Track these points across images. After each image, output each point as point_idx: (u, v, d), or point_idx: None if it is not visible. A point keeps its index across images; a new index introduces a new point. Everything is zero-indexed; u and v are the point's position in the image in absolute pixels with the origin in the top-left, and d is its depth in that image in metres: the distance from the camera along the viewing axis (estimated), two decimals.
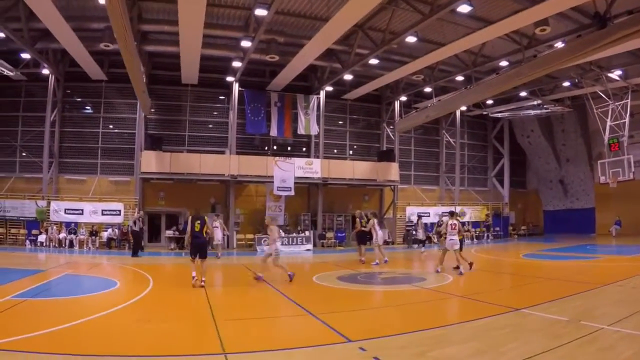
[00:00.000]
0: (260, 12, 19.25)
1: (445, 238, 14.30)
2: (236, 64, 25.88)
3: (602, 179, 27.19)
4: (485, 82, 22.54)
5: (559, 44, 19.89)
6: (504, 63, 24.09)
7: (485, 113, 32.75)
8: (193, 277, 11.78)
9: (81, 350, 5.98)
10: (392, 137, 31.11)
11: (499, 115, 32.34)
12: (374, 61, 24.80)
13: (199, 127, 29.27)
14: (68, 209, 26.15)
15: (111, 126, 28.39)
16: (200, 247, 11.92)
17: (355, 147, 32.08)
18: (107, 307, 8.94)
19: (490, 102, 31.41)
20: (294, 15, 22.61)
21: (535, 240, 31.62)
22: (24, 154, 27.37)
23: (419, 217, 24.01)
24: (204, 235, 12.02)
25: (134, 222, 22.04)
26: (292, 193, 27.09)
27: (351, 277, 13.61)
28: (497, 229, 33.42)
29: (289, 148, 30.81)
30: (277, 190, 26.82)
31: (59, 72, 26.86)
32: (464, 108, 32.49)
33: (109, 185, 27.88)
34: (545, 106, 29.84)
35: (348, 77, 27.16)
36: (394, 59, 25.67)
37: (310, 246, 26.57)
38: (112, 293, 11.12)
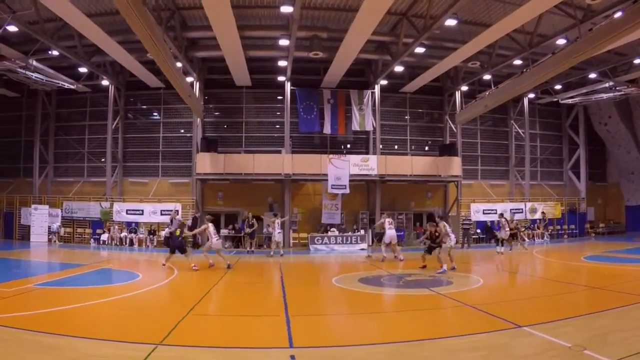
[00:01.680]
0: (286, 9, 18.86)
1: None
2: (282, 63, 25.73)
3: None
4: (541, 63, 20.71)
5: (619, 14, 17.73)
6: (561, 41, 21.90)
7: (555, 100, 30.31)
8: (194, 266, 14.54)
9: (37, 328, 6.77)
10: (454, 130, 29.49)
11: (570, 101, 29.77)
12: (419, 50, 23.70)
13: (255, 128, 29.38)
14: (129, 210, 27.12)
15: (182, 130, 29.27)
16: (176, 246, 15.29)
17: (417, 141, 30.71)
18: (108, 296, 9.84)
19: (558, 87, 29.14)
20: (327, 9, 22.39)
21: (613, 239, 28.58)
22: (103, 159, 28.63)
23: (501, 214, 22.03)
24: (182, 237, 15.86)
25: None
26: (347, 191, 26.37)
27: (373, 279, 12.78)
28: (572, 226, 30.75)
29: (348, 145, 29.99)
30: (332, 188, 26.20)
31: (119, 82, 28.27)
32: (531, 95, 30.43)
33: (169, 187, 28.66)
34: (618, 88, 27.14)
35: (399, 68, 26.09)
36: (447, 47, 24.49)
37: (364, 245, 25.72)
38: (126, 285, 11.76)
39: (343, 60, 24.47)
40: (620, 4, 17.97)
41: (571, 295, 10.25)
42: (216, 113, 29.85)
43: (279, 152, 27.26)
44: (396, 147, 30.22)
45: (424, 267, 14.64)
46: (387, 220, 18.76)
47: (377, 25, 23.04)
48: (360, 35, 21.36)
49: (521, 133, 30.81)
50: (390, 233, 18.41)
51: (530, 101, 31.03)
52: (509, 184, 31.59)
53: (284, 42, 23.01)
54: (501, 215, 21.22)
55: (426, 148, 30.74)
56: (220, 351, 6.04)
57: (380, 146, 28.12)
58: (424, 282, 12.10)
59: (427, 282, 12.05)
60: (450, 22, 20.35)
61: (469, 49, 23.12)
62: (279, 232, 21.44)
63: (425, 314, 8.67)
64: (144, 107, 29.83)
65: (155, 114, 29.68)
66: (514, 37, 23.23)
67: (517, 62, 25.09)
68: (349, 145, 30.04)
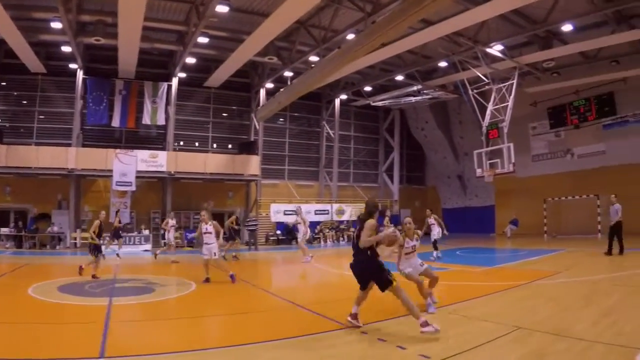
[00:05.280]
0: None
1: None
2: (66, 48, 24.02)
3: (479, 172, 24.08)
4: (326, 58, 20.46)
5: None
6: (351, 36, 21.34)
7: (368, 102, 29.88)
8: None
9: None
10: (257, 127, 28.44)
11: (380, 103, 29.53)
12: (203, 40, 22.75)
13: (49, 118, 27.31)
14: None
15: None
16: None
17: (223, 139, 29.70)
18: None
19: (368, 89, 28.72)
20: None
21: (424, 241, 28.03)
22: None
23: (430, 210, 19.26)
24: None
25: None
26: (133, 188, 24.94)
27: (75, 287, 10.85)
28: (382, 228, 30.17)
29: (165, 142, 28.40)
30: (117, 185, 24.69)
31: None
32: (343, 97, 29.92)
33: None
34: (425, 92, 26.87)
35: (191, 60, 25.21)
36: (243, 39, 23.38)
37: (149, 246, 24.38)
38: None
39: (128, 48, 22.98)
40: None
41: (263, 316, 8.36)
42: (25, 102, 27.50)
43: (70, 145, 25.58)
44: (196, 144, 29.24)
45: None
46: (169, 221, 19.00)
47: (172, 14, 22.41)
48: (131, 21, 19.85)
49: (331, 134, 30.14)
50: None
51: (345, 103, 30.54)
52: (318, 185, 30.95)
53: (56, 25, 21.44)
54: (430, 211, 18.40)
55: (229, 146, 29.76)
56: None
57: (181, 142, 26.97)
58: (126, 290, 10.67)
59: (129, 290, 10.68)
60: (222, 9, 19.45)
61: (255, 41, 22.16)
62: None
63: (38, 329, 7.07)
64: None
65: None
66: (312, 32, 22.80)
67: (314, 58, 24.34)
68: (152, 140, 28.72)
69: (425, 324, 6.06)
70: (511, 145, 22.52)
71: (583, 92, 27.92)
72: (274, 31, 21.50)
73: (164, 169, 25.28)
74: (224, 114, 30.02)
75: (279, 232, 27.41)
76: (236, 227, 20.44)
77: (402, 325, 6.87)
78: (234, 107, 30.07)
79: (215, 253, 11.84)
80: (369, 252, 6.60)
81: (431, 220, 17.23)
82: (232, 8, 20.64)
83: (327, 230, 27.74)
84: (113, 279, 12.34)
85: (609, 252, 15.60)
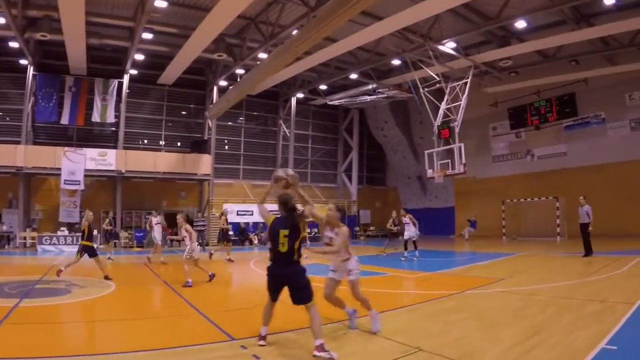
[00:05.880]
0: None
1: None
2: (14, 44, 23.63)
3: (430, 173, 23.65)
4: (271, 54, 20.19)
5: None
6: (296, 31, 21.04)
7: (325, 101, 29.51)
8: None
9: None
10: (210, 125, 28.11)
11: (337, 102, 29.13)
12: (147, 35, 22.54)
13: (3, 115, 26.85)
14: None
15: None
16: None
17: (177, 137, 29.30)
18: None
19: (324, 87, 28.33)
20: None
21: (380, 242, 27.54)
22: None
23: (404, 210, 19.26)
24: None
25: None
26: (82, 187, 24.52)
27: None
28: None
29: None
30: (65, 184, 24.25)
31: None
32: (300, 95, 29.52)
33: None
34: (380, 90, 26.49)
35: (140, 57, 24.95)
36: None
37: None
38: None
39: (74, 44, 22.52)
40: None
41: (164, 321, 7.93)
42: None
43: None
44: (161, 142, 28.74)
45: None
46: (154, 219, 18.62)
47: (120, 9, 22.01)
48: (73, 15, 19.46)
49: (287, 133, 29.78)
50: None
51: (303, 102, 30.25)
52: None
53: (0, 20, 21.06)
54: (405, 211, 18.57)
55: (189, 145, 29.10)
56: None
57: (145, 141, 26.56)
58: (39, 291, 10.11)
59: (41, 292, 10.08)
60: (161, 4, 19.23)
61: (201, 37, 21.71)
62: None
63: None
64: None
65: None
66: (261, 28, 22.61)
67: (263, 54, 23.97)
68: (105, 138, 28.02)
69: (322, 348, 5.15)
70: (462, 145, 22.19)
71: (544, 92, 27.70)
72: (219, 26, 21.09)
73: (113, 167, 24.92)
74: (183, 112, 29.62)
75: (231, 232, 26.93)
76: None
77: (291, 339, 6.12)
78: (189, 105, 29.66)
79: (185, 255, 11.92)
80: (297, 258, 5.67)
81: (406, 219, 17.58)
82: (173, 2, 20.49)
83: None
84: (38, 280, 11.92)
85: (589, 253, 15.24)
